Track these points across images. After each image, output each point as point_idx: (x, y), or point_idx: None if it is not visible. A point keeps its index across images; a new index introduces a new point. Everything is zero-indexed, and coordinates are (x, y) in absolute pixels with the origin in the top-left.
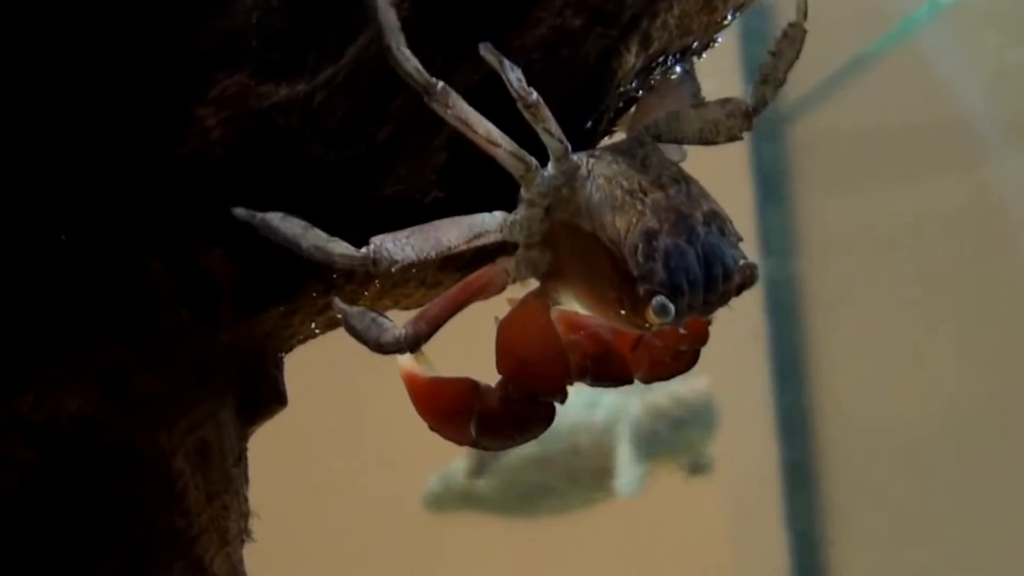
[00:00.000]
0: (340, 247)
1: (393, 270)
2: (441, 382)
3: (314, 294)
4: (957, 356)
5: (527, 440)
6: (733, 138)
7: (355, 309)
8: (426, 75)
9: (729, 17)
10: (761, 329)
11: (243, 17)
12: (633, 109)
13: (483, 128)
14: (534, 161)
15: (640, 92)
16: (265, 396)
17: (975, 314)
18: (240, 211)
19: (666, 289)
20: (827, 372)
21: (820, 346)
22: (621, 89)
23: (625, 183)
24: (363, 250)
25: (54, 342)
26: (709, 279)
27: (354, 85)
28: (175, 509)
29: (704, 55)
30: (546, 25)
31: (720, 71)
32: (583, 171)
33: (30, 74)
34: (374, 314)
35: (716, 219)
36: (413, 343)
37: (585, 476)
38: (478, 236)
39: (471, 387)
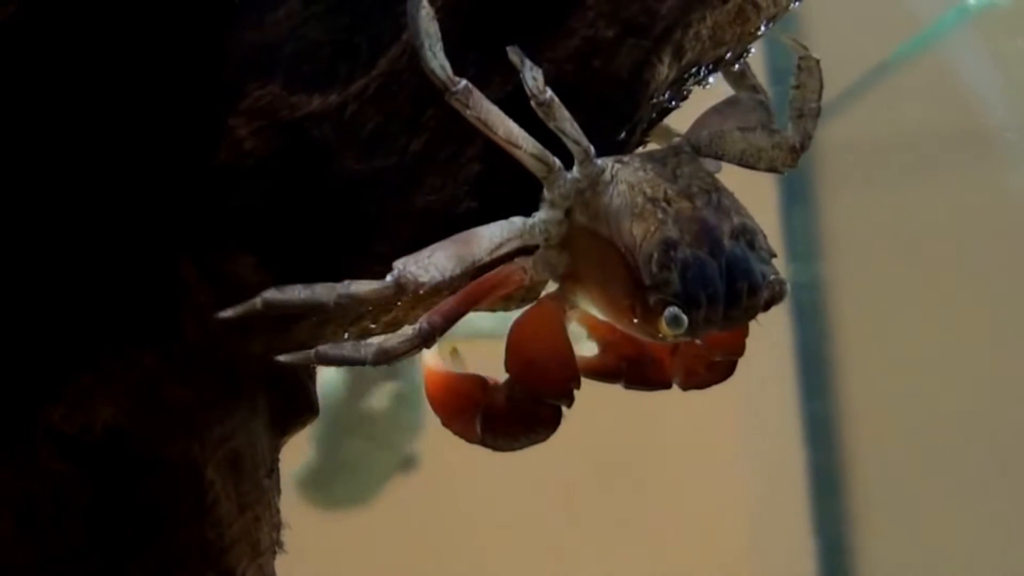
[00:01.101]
0: (364, 285)
1: (421, 292)
2: (453, 377)
3: None
4: (984, 360)
5: (533, 442)
6: (773, 169)
7: (322, 347)
8: (449, 73)
9: (762, 27)
10: (786, 333)
11: (275, 28)
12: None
13: (503, 129)
14: (557, 163)
15: (673, 103)
16: (298, 406)
17: (1002, 318)
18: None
19: (680, 300)
20: (853, 375)
21: (846, 349)
22: (654, 100)
23: (649, 190)
24: (388, 278)
25: (87, 351)
26: (732, 293)
27: (386, 96)
28: (207, 520)
29: (737, 66)
30: (579, 36)
31: None
32: (607, 175)
33: (63, 84)
34: (346, 341)
35: (746, 233)
36: (428, 337)
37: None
38: (500, 246)
39: (480, 384)
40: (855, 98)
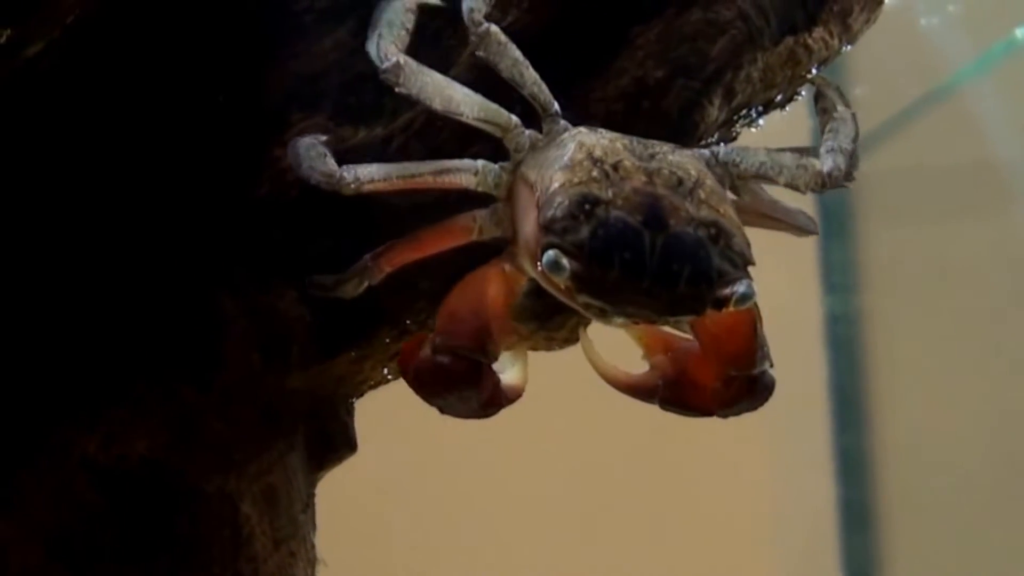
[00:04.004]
0: (326, 168)
1: (354, 187)
2: (417, 337)
3: (387, 340)
4: (1020, 397)
5: (459, 399)
6: (793, 186)
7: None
8: (381, 53)
9: (813, 70)
10: (820, 365)
11: (322, 59)
12: None
13: (440, 100)
14: (513, 120)
15: (721, 145)
16: (335, 442)
17: None
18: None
19: (583, 252)
20: (887, 409)
21: (880, 383)
22: (703, 142)
23: (599, 153)
24: (338, 171)
25: (125, 382)
26: (663, 272)
27: (431, 131)
28: (242, 555)
29: (787, 108)
30: (629, 76)
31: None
32: (567, 134)
33: (105, 115)
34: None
35: (711, 227)
36: (366, 270)
37: None
38: (447, 172)
39: (422, 339)
40: (896, 131)
